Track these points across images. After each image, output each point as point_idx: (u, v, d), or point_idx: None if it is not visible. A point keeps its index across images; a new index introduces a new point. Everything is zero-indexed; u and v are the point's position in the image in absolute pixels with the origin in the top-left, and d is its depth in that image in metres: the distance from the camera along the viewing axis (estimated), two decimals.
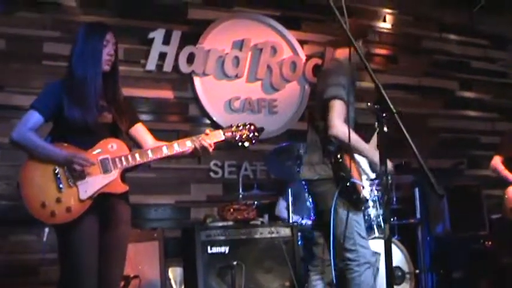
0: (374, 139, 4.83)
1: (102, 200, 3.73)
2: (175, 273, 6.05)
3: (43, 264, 5.75)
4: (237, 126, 4.06)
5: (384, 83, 8.35)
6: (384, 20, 8.55)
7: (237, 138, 4.03)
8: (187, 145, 3.91)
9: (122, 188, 3.81)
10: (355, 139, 4.32)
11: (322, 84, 4.57)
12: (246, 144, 4.05)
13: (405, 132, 2.67)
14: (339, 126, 4.30)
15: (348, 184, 4.29)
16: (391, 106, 2.71)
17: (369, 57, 8.14)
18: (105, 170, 3.74)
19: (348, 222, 4.32)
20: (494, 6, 9.06)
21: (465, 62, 9.20)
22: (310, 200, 4.93)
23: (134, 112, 4.18)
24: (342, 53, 4.67)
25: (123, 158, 3.78)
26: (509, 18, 9.37)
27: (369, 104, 3.54)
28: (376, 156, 4.29)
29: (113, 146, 3.81)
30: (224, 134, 4.00)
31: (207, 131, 3.94)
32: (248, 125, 4.10)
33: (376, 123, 2.95)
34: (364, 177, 4.56)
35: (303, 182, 4.78)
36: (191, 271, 5.48)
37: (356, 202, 4.41)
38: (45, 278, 5.86)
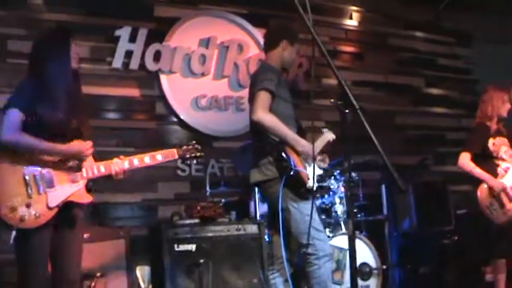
0: (321, 138, 4.90)
1: (66, 208, 3.82)
2: (143, 272, 6.06)
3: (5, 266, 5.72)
4: (187, 146, 4.39)
5: (350, 80, 8.51)
6: (351, 18, 8.65)
7: (187, 157, 4.38)
8: (157, 159, 4.19)
9: (87, 198, 3.92)
10: (276, 123, 4.44)
11: (253, 85, 4.68)
12: (194, 162, 4.42)
13: (368, 128, 2.73)
14: (260, 112, 4.41)
15: (292, 173, 4.36)
16: (354, 102, 2.76)
17: (336, 54, 8.24)
18: (73, 180, 3.84)
19: (300, 219, 4.40)
20: (460, 3, 9.18)
21: (431, 59, 9.34)
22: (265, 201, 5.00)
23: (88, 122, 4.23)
24: (271, 56, 4.80)
25: (89, 169, 3.90)
26: (474, 15, 9.50)
27: (332, 100, 3.60)
28: (306, 149, 4.39)
29: None
30: (178, 154, 4.31)
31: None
32: (197, 146, 4.43)
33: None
34: (310, 168, 4.59)
35: (253, 185, 4.86)
36: (158, 269, 5.51)
37: (303, 193, 4.48)
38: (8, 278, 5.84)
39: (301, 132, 4.69)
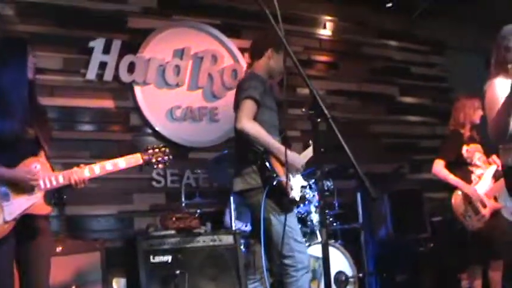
0: (307, 150, 4.94)
1: (24, 221, 3.76)
2: (119, 284, 6.04)
3: None
4: (153, 149, 4.25)
5: (325, 89, 8.56)
6: (324, 27, 8.72)
7: (153, 161, 4.22)
8: (119, 166, 4.07)
9: (46, 209, 3.86)
10: (260, 132, 4.43)
11: (238, 93, 4.69)
12: (160, 166, 4.26)
13: (340, 137, 2.77)
14: (245, 120, 4.41)
15: (274, 183, 4.38)
16: (326, 111, 2.80)
17: (310, 63, 8.30)
18: (30, 192, 3.77)
19: (281, 229, 4.40)
20: (433, 12, 9.29)
21: (405, 67, 9.44)
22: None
23: (50, 129, 4.18)
24: (257, 65, 4.81)
25: (47, 180, 3.82)
26: (448, 24, 9.62)
27: (303, 109, 3.65)
28: (289, 159, 4.41)
29: (36, 167, 3.83)
30: (142, 158, 4.16)
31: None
32: (163, 149, 4.30)
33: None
34: (294, 179, 4.63)
35: (236, 194, 4.86)
36: (134, 281, 5.51)
37: (286, 204, 4.50)
38: None
39: (286, 142, 4.70)
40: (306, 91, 7.53)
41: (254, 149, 4.50)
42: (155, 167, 4.23)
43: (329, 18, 8.75)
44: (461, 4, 8.91)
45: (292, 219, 4.56)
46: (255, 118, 4.50)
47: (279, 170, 4.44)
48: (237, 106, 4.60)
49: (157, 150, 4.25)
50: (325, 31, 8.70)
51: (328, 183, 6.35)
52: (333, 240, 6.42)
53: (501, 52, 4.41)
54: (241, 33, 7.84)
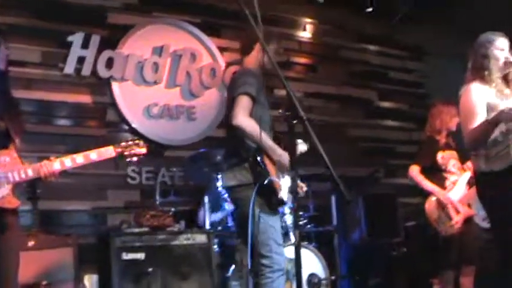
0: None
1: None
2: (91, 281, 6.04)
3: None
4: (127, 142, 4.20)
5: (303, 91, 8.60)
6: (304, 29, 8.76)
7: (126, 154, 4.16)
8: (91, 158, 4.00)
9: (14, 203, 3.80)
10: (256, 130, 4.39)
11: (233, 87, 4.67)
12: (134, 159, 4.20)
13: (315, 139, 2.81)
14: (241, 117, 4.40)
15: (265, 182, 4.39)
16: (302, 113, 2.83)
17: (289, 65, 8.34)
18: None
19: (265, 228, 4.43)
20: (413, 18, 9.36)
21: (384, 72, 9.52)
22: (232, 206, 5.00)
23: (22, 122, 4.13)
24: (248, 61, 4.81)
25: (15, 173, 3.77)
26: (426, 30, 9.70)
27: (280, 111, 3.68)
28: (282, 158, 4.45)
29: (5, 160, 3.79)
30: (115, 151, 4.10)
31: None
32: (137, 142, 4.25)
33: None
34: (283, 179, 4.66)
35: (224, 189, 4.86)
36: (106, 278, 5.51)
37: (274, 203, 4.52)
38: None
39: (277, 139, 4.71)
40: (283, 92, 7.59)
41: (247, 145, 4.51)
42: (128, 160, 4.18)
43: (309, 20, 8.80)
44: (441, 10, 9.00)
45: (276, 220, 4.58)
46: (250, 114, 4.51)
47: (271, 168, 4.46)
48: (231, 101, 4.59)
49: (131, 143, 4.19)
50: (305, 33, 8.74)
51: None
52: (306, 242, 6.46)
53: (478, 59, 4.52)
54: (221, 32, 7.86)
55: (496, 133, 4.26)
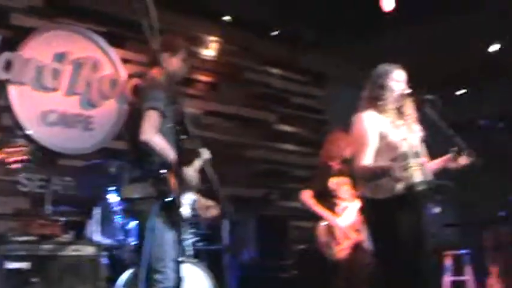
0: (196, 162, 5.03)
1: None
2: None
3: None
4: (11, 148, 4.12)
5: (203, 109, 8.62)
6: (208, 48, 8.79)
7: (8, 161, 4.08)
8: None
9: None
10: (164, 146, 4.40)
11: (140, 100, 4.66)
12: (15, 166, 4.11)
13: (202, 155, 2.85)
14: (150, 132, 4.40)
15: (168, 200, 4.41)
16: (189, 129, 2.87)
17: (191, 82, 8.35)
18: None
19: (161, 244, 4.45)
20: (317, 44, 9.60)
21: (285, 96, 9.68)
22: (126, 219, 4.98)
23: None
24: (158, 72, 4.80)
25: None
26: (330, 57, 9.96)
27: (169, 125, 3.75)
28: (187, 175, 4.49)
29: None
30: None
31: None
32: (22, 148, 4.16)
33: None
34: (186, 195, 4.70)
35: (124, 201, 4.83)
36: None
37: (176, 220, 4.54)
38: None
39: (181, 153, 4.70)
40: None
41: (152, 160, 4.51)
42: (9, 166, 4.08)
43: (214, 39, 8.83)
44: (344, 39, 9.27)
45: (174, 236, 4.59)
46: (158, 130, 4.50)
47: (174, 185, 4.48)
48: (137, 114, 4.56)
49: (15, 149, 4.10)
50: (209, 51, 8.77)
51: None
52: (196, 260, 6.47)
53: (375, 89, 4.67)
54: (126, 43, 7.82)
55: (384, 162, 4.43)
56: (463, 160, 4.73)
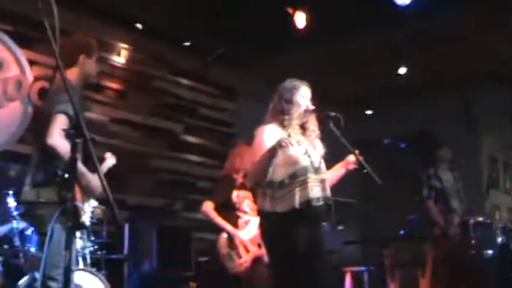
0: (103, 165, 5.00)
1: None
2: None
3: None
4: None
5: (110, 116, 8.55)
6: (119, 55, 8.74)
7: None
8: None
9: None
10: (68, 151, 4.37)
11: (49, 103, 4.57)
12: None
13: (96, 161, 2.84)
14: (57, 137, 4.33)
15: (69, 205, 4.33)
16: (86, 133, 2.85)
17: (99, 89, 8.27)
18: None
19: (58, 251, 4.37)
20: (228, 58, 9.68)
21: (193, 107, 9.71)
22: (25, 224, 4.88)
23: None
24: (71, 74, 4.71)
25: None
26: (240, 71, 10.06)
27: (64, 128, 3.73)
28: (91, 184, 4.45)
29: None
30: None
31: None
32: None
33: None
34: (86, 203, 4.65)
35: (23, 204, 4.73)
36: None
37: (75, 227, 4.47)
38: None
39: (87, 159, 4.63)
40: (90, 114, 7.53)
41: (56, 165, 4.43)
42: None
43: (125, 46, 8.79)
44: (255, 55, 9.38)
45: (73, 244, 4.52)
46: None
47: (77, 192, 4.41)
48: (46, 116, 4.48)
49: None
50: (119, 58, 8.71)
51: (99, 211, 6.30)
52: (95, 269, 6.39)
53: (281, 103, 4.73)
54: (34, 44, 7.68)
55: (284, 176, 4.49)
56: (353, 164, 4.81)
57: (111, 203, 2.86)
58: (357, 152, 4.75)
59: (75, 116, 2.89)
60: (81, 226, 4.50)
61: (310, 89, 4.83)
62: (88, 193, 4.53)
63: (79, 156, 4.31)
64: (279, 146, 4.34)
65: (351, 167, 4.83)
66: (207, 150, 9.78)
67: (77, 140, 2.89)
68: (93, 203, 5.00)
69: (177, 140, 9.37)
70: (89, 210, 4.69)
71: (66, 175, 4.36)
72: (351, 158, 4.81)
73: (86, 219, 4.56)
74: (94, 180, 4.52)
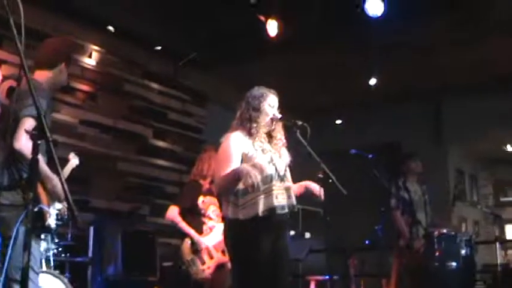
0: (67, 166, 4.98)
1: None
2: None
3: None
4: None
5: (79, 118, 8.49)
6: (90, 56, 8.68)
7: None
8: None
9: None
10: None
11: (17, 105, 4.53)
12: None
13: (57, 161, 2.85)
14: (24, 141, 4.30)
15: (35, 209, 4.30)
16: (48, 133, 2.84)
17: (70, 90, 8.19)
18: None
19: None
20: (199, 64, 9.70)
21: (163, 112, 9.70)
22: None
23: None
24: (41, 75, 4.63)
25: None
26: (210, 78, 10.09)
27: (25, 128, 3.72)
28: (56, 188, 4.42)
29: None
30: None
31: None
32: None
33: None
34: (53, 206, 4.63)
35: None
36: None
37: (40, 230, 4.44)
38: None
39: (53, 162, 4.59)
40: (59, 116, 7.48)
41: (21, 168, 4.40)
42: None
43: (96, 48, 8.74)
44: (225, 61, 9.43)
45: (36, 247, 4.50)
46: None
47: (42, 195, 4.38)
48: (14, 119, 4.43)
49: None
50: (90, 60, 8.66)
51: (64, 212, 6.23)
52: (57, 272, 6.35)
53: (249, 110, 4.72)
54: (3, 43, 7.62)
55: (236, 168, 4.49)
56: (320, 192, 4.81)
57: (71, 204, 2.86)
58: (321, 165, 4.76)
59: (38, 117, 2.87)
60: (46, 229, 4.51)
61: (277, 98, 4.81)
62: (54, 197, 4.51)
63: (41, 157, 4.31)
64: (245, 175, 4.36)
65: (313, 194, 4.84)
66: (175, 155, 9.76)
67: (39, 142, 2.87)
68: (58, 205, 4.97)
69: (146, 144, 9.34)
70: (54, 212, 4.65)
71: (32, 178, 4.37)
72: (316, 187, 4.82)
73: (51, 222, 4.52)
74: (58, 185, 4.50)
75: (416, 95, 11.28)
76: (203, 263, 6.36)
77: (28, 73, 3.00)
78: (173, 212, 6.44)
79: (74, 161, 5.32)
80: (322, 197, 4.78)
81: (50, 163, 4.59)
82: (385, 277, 7.93)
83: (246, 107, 4.75)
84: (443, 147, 11.92)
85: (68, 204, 2.85)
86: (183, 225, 6.39)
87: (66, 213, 5.76)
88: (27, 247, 2.89)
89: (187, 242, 6.39)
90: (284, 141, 4.82)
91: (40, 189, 4.39)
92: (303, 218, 9.63)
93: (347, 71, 9.97)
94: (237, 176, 4.42)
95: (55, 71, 4.62)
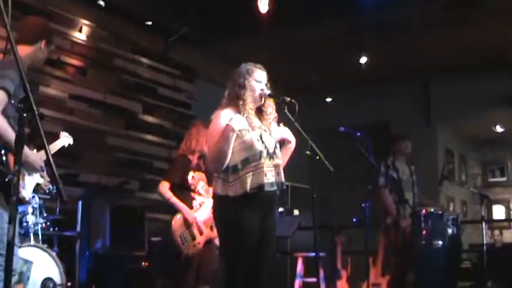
0: (55, 143, 5.01)
1: None
2: None
3: None
4: None
5: (69, 93, 8.49)
6: (80, 31, 8.67)
7: None
8: None
9: None
10: (6, 128, 4.25)
11: None
12: None
13: (43, 136, 2.85)
14: None
15: (6, 180, 4.32)
16: (34, 107, 2.84)
17: (59, 64, 8.20)
18: None
19: (2, 226, 4.36)
20: (189, 40, 9.70)
21: (153, 87, 9.72)
22: None
23: None
24: (22, 50, 4.49)
25: None
26: (200, 54, 10.10)
27: (12, 101, 3.73)
28: (29, 159, 4.45)
29: None
30: None
31: None
32: None
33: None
34: (29, 177, 4.65)
35: None
36: None
37: (14, 202, 4.45)
38: None
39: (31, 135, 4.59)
40: (49, 90, 7.48)
41: None
42: None
43: (86, 22, 8.73)
44: (216, 37, 9.44)
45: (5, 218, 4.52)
46: (3, 111, 4.36)
47: (14, 166, 4.38)
48: None
49: None
50: (80, 35, 8.65)
51: (51, 187, 6.24)
52: (46, 246, 6.39)
53: (235, 87, 4.71)
54: None
55: (237, 161, 4.53)
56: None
57: (56, 178, 2.87)
58: (309, 142, 4.80)
59: (24, 91, 2.86)
60: (20, 201, 4.52)
61: (265, 72, 4.78)
62: (26, 168, 4.52)
63: (27, 130, 4.33)
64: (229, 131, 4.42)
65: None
66: (164, 130, 9.79)
67: (25, 115, 2.87)
68: (38, 178, 4.97)
69: (135, 119, 9.37)
70: (31, 185, 4.67)
71: (2, 151, 4.39)
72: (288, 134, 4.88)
73: (26, 194, 4.56)
74: (32, 156, 4.52)
75: (406, 75, 11.34)
76: (193, 238, 6.41)
77: (14, 46, 2.98)
78: (164, 187, 6.47)
79: (66, 139, 5.33)
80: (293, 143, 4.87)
81: (34, 137, 4.62)
82: (372, 255, 8.00)
83: (233, 84, 4.75)
84: (433, 127, 12.00)
85: (53, 178, 2.87)
86: (175, 201, 6.41)
87: (48, 186, 5.78)
88: (11, 220, 2.89)
89: (178, 217, 6.42)
90: (275, 115, 4.83)
91: (12, 160, 4.40)
92: (292, 195, 9.72)
93: (338, 49, 10.01)
94: (225, 137, 4.45)
95: (33, 47, 4.59)
